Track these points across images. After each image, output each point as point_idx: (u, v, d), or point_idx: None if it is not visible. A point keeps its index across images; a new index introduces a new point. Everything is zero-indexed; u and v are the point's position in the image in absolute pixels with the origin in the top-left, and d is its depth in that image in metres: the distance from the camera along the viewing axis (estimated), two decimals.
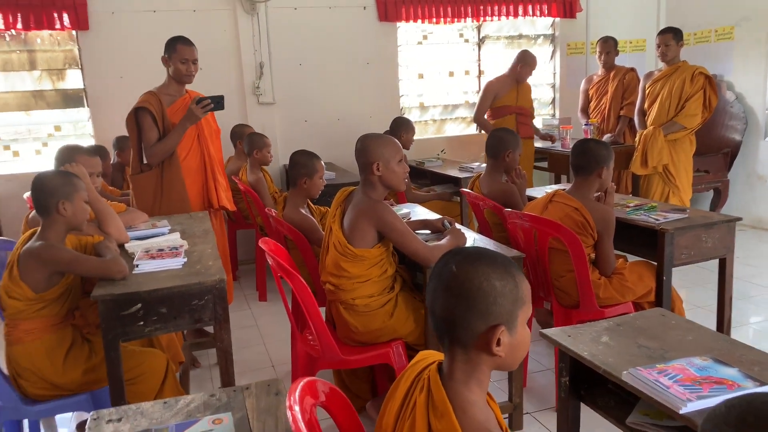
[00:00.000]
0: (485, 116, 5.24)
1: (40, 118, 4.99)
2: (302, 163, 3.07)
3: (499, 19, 5.89)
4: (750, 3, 5.52)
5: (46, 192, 2.26)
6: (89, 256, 2.32)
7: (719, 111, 5.57)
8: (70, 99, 5.01)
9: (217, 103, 3.33)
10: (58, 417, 2.79)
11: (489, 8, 5.76)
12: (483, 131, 5.31)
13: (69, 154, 2.72)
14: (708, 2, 5.92)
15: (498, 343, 1.12)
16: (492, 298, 1.12)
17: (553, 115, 6.29)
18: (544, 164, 5.55)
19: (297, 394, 1.24)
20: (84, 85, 4.96)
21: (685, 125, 4.51)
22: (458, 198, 4.67)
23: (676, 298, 2.97)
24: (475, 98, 5.79)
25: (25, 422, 2.36)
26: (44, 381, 2.21)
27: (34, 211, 2.73)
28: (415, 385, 1.20)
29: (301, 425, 1.14)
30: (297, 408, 1.19)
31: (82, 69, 4.94)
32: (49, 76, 4.95)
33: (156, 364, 2.41)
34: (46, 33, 4.85)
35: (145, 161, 3.46)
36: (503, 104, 5.22)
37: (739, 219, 3.00)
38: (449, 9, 5.65)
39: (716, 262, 3.04)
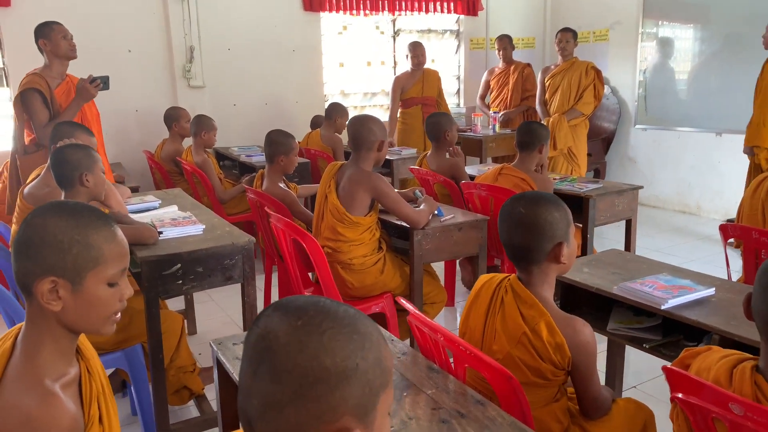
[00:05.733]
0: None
1: None
2: (280, 141, 3.33)
3: (411, 14, 6.39)
4: (622, 9, 6.48)
5: (70, 165, 2.36)
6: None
7: None
8: None
9: (105, 82, 3.46)
10: None
11: (402, 3, 6.24)
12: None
13: (68, 130, 2.80)
14: (586, 7, 6.83)
15: (562, 255, 1.57)
16: (555, 225, 1.57)
17: (458, 105, 6.92)
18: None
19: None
20: (3, 64, 4.77)
21: (583, 112, 5.29)
22: (390, 178, 5.11)
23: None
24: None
25: None
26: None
27: (29, 187, 2.80)
28: (498, 292, 1.62)
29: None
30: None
31: (1, 47, 4.75)
32: None
33: (174, 324, 2.62)
34: None
35: (27, 142, 3.53)
36: (409, 96, 5.72)
37: (641, 187, 3.72)
38: (368, 2, 6.06)
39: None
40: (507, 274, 1.67)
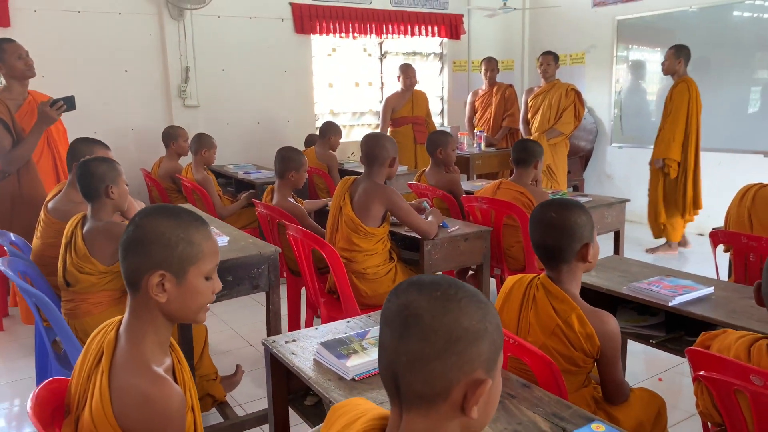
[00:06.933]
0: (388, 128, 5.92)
1: None
2: (291, 157, 3.47)
3: (397, 37, 6.63)
4: (596, 33, 6.82)
5: (96, 178, 2.45)
6: None
7: None
8: None
9: (69, 103, 3.38)
10: None
11: (389, 27, 6.48)
12: None
13: (86, 148, 2.89)
14: (563, 32, 7.16)
15: (589, 254, 1.75)
16: (583, 227, 1.75)
17: (443, 124, 7.15)
18: None
19: None
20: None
21: (562, 131, 5.56)
22: None
23: None
24: (379, 107, 6.45)
25: None
26: None
27: (52, 202, 2.88)
28: (529, 290, 1.79)
29: None
30: None
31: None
32: None
33: (199, 334, 2.71)
34: None
35: None
36: (400, 116, 5.94)
37: (628, 200, 3.95)
38: (356, 25, 6.27)
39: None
40: (535, 274, 1.84)
